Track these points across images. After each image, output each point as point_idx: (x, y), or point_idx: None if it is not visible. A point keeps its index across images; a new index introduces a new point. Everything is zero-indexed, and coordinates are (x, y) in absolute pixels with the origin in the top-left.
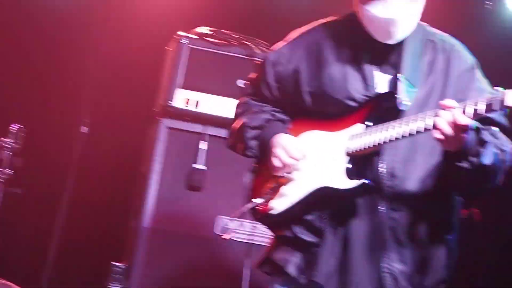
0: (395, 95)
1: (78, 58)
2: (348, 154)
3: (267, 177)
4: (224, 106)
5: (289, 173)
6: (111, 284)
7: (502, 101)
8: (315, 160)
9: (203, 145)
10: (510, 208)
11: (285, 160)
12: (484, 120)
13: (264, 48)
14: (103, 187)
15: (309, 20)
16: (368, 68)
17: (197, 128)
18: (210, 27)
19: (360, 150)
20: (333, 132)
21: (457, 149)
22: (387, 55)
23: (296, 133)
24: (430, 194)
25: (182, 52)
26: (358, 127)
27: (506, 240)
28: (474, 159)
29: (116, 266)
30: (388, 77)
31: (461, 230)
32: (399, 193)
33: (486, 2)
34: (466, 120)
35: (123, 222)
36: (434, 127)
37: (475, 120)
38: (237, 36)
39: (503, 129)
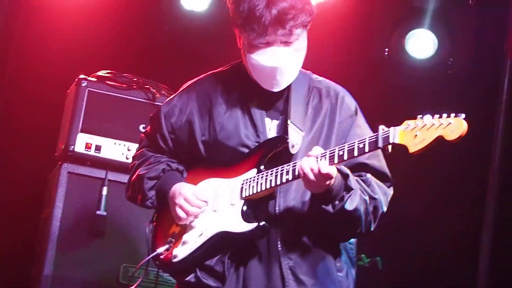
0: (286, 140)
1: None
2: (243, 198)
3: (168, 225)
4: (125, 151)
5: (190, 221)
6: None
7: (387, 138)
8: (213, 206)
9: (105, 191)
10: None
11: (188, 209)
12: (359, 166)
13: (165, 92)
14: (4, 233)
15: (212, 65)
16: (257, 114)
17: (99, 173)
18: (112, 70)
19: (254, 194)
20: (229, 179)
21: (323, 193)
22: (274, 101)
23: (193, 182)
24: (321, 234)
25: (82, 96)
26: (252, 172)
27: None
28: (337, 204)
29: None
30: (276, 123)
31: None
32: (295, 233)
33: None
34: (328, 169)
35: (26, 269)
36: (299, 174)
37: (347, 163)
38: (138, 80)
39: (379, 174)
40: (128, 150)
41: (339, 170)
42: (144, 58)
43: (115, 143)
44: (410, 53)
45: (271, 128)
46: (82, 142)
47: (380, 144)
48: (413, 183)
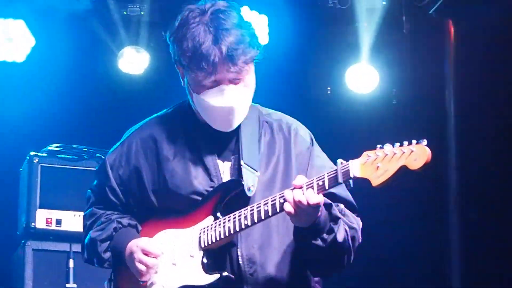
0: (241, 183)
1: None
2: (202, 249)
3: (128, 283)
4: None
5: (150, 276)
6: None
7: (347, 172)
8: (172, 259)
9: (71, 263)
10: None
11: (147, 262)
12: (328, 196)
13: None
14: None
15: None
16: (208, 158)
17: (63, 246)
18: (60, 143)
19: (213, 242)
20: (185, 229)
21: (309, 226)
22: (224, 141)
23: (149, 235)
24: (290, 276)
25: (35, 172)
26: (209, 220)
27: None
28: (327, 237)
29: None
30: (229, 164)
31: None
32: (260, 280)
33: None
34: (318, 198)
35: None
36: (283, 208)
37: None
38: (88, 150)
39: (347, 204)
40: None
41: None
42: (88, 126)
43: (74, 215)
44: (352, 89)
45: (224, 171)
46: (42, 218)
47: (340, 179)
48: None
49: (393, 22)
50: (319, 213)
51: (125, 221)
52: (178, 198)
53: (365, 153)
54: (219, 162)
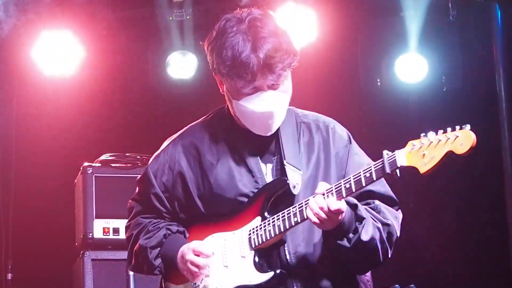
0: (286, 182)
1: None
2: (253, 249)
3: None
4: None
5: (203, 280)
6: None
7: (393, 162)
8: (223, 262)
9: (131, 272)
10: None
11: (199, 262)
12: (365, 194)
13: None
14: None
15: None
16: (251, 160)
17: (121, 255)
18: (113, 152)
19: (264, 242)
20: (234, 231)
21: (335, 228)
22: (265, 145)
23: (196, 240)
24: (335, 271)
25: (90, 183)
26: (257, 221)
27: None
28: (352, 236)
29: None
30: (270, 166)
31: None
32: (308, 276)
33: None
34: (337, 205)
35: None
36: (308, 215)
37: (355, 194)
38: (142, 157)
39: (386, 199)
40: None
41: (346, 202)
42: (140, 134)
43: None
44: (402, 79)
45: (266, 172)
46: (99, 228)
47: (388, 169)
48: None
49: (439, 9)
50: (341, 217)
51: (173, 227)
52: (224, 201)
53: (409, 142)
54: (261, 164)
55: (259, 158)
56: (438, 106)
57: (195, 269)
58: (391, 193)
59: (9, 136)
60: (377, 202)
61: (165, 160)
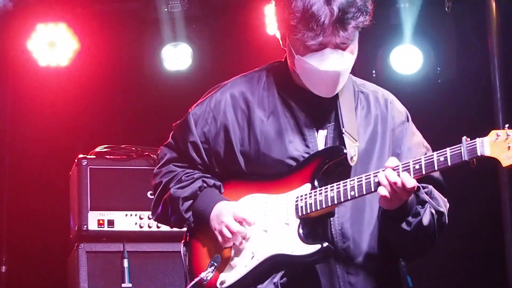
0: (343, 151)
1: None
2: (300, 217)
3: (208, 247)
4: (138, 220)
5: (236, 242)
6: None
7: (473, 150)
8: (262, 226)
9: (126, 263)
10: None
11: (238, 230)
12: (423, 178)
13: None
14: None
15: None
16: (305, 123)
17: (116, 247)
18: (108, 144)
19: (313, 212)
20: (278, 195)
21: (397, 209)
22: (322, 109)
23: (232, 198)
24: (380, 254)
25: (84, 175)
26: (306, 188)
27: None
28: (412, 220)
29: None
30: (324, 133)
31: None
32: (352, 255)
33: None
34: (413, 183)
35: None
36: (378, 186)
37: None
38: (136, 149)
39: (439, 185)
40: (141, 218)
41: None
42: (136, 125)
43: (126, 215)
44: (397, 70)
45: (320, 138)
46: (94, 220)
47: (466, 157)
48: None
49: (434, 1)
50: (408, 198)
51: (210, 181)
52: (269, 162)
53: (493, 131)
54: (315, 129)
55: (314, 122)
56: (433, 98)
57: (229, 235)
58: (442, 179)
59: (3, 127)
60: (430, 187)
61: (210, 109)
